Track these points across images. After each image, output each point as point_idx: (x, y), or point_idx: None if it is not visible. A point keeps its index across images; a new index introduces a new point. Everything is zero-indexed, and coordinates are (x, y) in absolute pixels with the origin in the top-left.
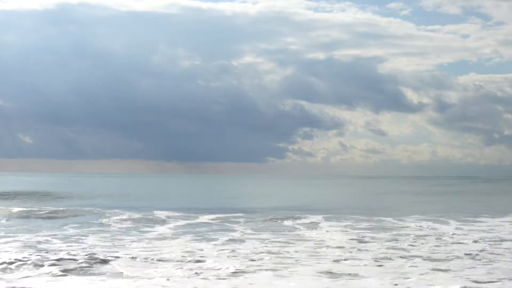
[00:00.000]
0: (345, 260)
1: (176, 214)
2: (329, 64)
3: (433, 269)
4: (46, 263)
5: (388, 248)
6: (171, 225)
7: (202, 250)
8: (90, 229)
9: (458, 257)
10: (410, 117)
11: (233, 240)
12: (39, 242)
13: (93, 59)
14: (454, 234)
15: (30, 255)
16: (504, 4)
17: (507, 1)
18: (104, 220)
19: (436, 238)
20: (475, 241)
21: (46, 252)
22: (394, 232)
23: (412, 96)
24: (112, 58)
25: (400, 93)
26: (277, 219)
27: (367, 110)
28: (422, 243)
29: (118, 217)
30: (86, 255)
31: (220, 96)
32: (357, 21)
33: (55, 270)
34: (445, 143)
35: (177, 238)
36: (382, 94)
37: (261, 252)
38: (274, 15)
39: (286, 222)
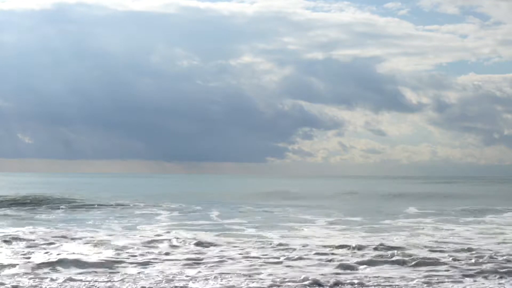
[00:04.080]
0: None
1: None
2: (327, 64)
3: None
4: None
5: None
6: None
7: None
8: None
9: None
10: (409, 117)
11: None
12: None
13: (91, 59)
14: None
15: None
16: (503, 4)
17: (505, 0)
18: None
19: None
20: None
21: None
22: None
23: (411, 96)
24: (110, 58)
25: (399, 93)
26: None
27: (367, 110)
28: None
29: None
30: None
31: (219, 96)
32: (355, 20)
33: None
34: (445, 143)
35: None
36: (381, 94)
37: None
38: (272, 14)
39: None
